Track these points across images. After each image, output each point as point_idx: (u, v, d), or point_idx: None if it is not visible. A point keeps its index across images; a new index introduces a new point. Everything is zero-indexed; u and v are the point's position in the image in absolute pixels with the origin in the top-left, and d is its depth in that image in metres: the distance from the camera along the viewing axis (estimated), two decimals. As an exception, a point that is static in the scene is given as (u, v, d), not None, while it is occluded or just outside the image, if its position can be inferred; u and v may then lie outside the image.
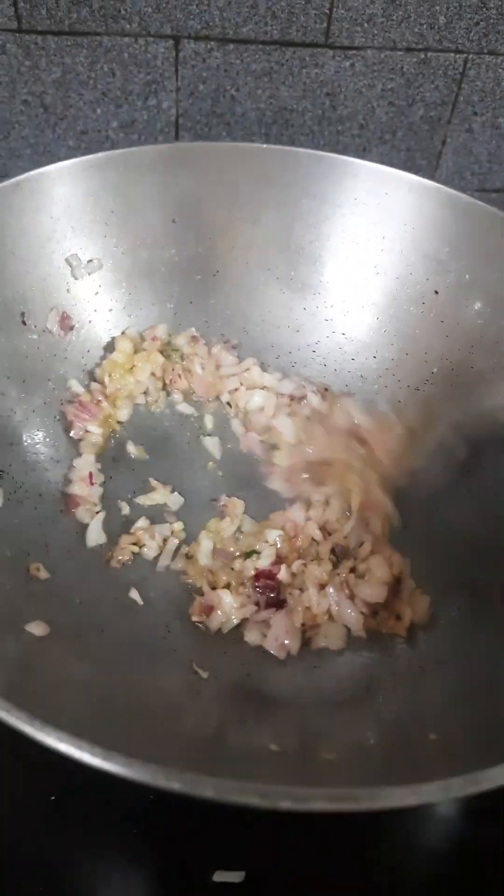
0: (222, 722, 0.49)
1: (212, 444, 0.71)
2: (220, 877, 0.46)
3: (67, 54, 0.83)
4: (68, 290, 0.68)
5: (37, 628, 0.49)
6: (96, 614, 0.55)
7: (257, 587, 0.59)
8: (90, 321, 0.71)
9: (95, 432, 0.67)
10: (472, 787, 0.32)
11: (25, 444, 0.63)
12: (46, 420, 0.65)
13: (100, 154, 0.67)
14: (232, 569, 0.61)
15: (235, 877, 0.46)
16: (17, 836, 0.48)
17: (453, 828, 0.51)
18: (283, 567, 0.60)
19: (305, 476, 0.66)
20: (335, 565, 0.61)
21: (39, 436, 0.64)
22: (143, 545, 0.62)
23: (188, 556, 0.62)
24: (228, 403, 0.75)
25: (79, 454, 0.66)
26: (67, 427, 0.66)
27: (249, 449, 0.72)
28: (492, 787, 0.32)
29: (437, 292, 0.72)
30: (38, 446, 0.63)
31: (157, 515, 0.65)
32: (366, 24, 0.83)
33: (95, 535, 0.61)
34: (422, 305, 0.73)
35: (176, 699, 0.50)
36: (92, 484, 0.64)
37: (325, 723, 0.50)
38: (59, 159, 0.73)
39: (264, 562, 0.60)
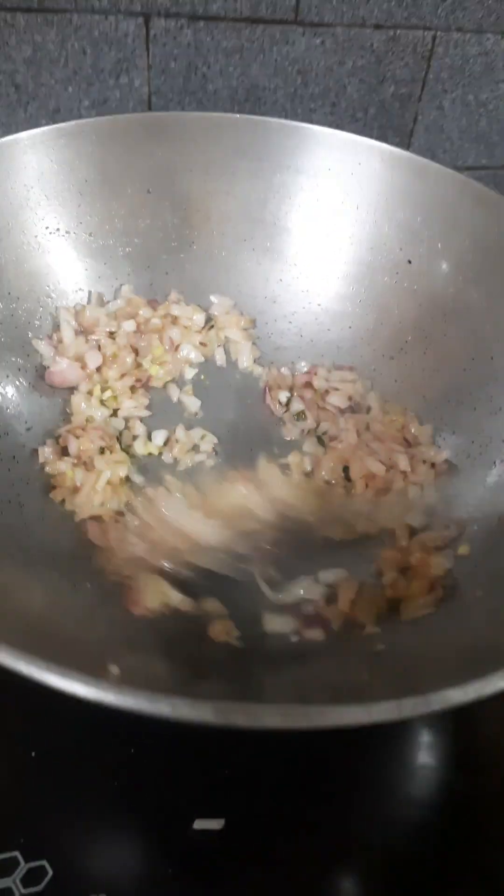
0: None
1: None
2: (200, 824, 0.47)
3: (38, 32, 0.83)
4: (42, 258, 0.67)
5: None
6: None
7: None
8: (64, 289, 0.71)
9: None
10: (423, 706, 0.32)
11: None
12: (19, 382, 0.65)
13: (72, 122, 0.67)
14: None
15: (215, 824, 0.47)
16: (-2, 793, 0.48)
17: (436, 777, 0.52)
18: None
19: None
20: None
21: (12, 396, 0.64)
22: None
23: None
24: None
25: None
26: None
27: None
28: (443, 708, 0.32)
29: (410, 261, 0.73)
30: (9, 409, 0.63)
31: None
32: (335, 1, 0.84)
33: None
34: (395, 275, 0.74)
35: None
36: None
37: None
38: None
39: None
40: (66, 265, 0.70)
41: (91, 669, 0.33)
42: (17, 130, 0.89)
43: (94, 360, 0.69)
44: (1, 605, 0.46)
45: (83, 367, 0.69)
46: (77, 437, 0.64)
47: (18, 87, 0.87)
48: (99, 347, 0.71)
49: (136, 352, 0.73)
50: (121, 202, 0.71)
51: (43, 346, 0.68)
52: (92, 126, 0.67)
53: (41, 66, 0.86)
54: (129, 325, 0.73)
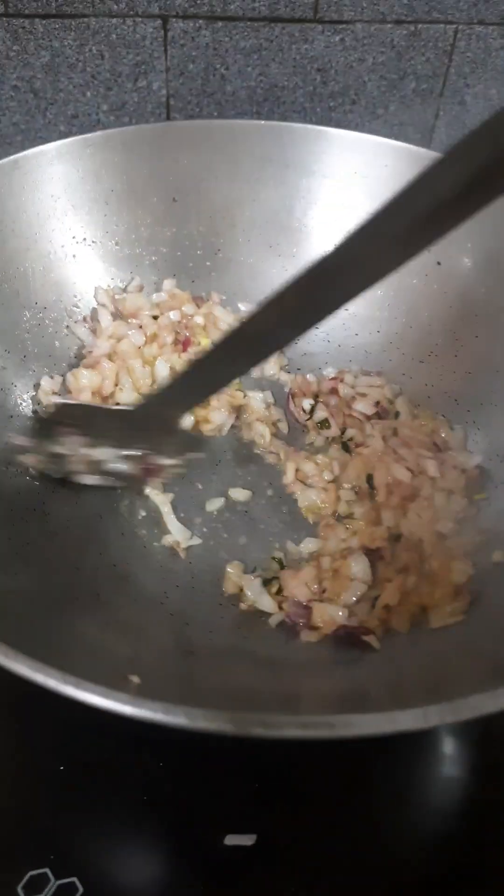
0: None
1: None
2: (231, 840, 0.46)
3: (55, 37, 0.82)
4: (69, 267, 0.67)
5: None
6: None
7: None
8: (90, 300, 0.70)
9: None
10: (451, 715, 0.31)
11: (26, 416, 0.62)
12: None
13: (98, 132, 0.66)
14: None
15: (247, 840, 0.46)
16: (27, 806, 0.47)
17: (467, 790, 0.51)
18: None
19: None
20: None
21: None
22: None
23: None
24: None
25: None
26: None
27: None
28: (472, 716, 0.31)
29: (439, 263, 0.72)
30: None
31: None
32: (354, -2, 0.83)
33: None
34: (424, 277, 0.73)
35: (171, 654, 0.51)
36: None
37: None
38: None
39: None
40: (92, 275, 0.69)
41: (111, 679, 0.33)
42: (37, 136, 0.90)
43: (136, 338, 0.68)
44: (20, 611, 0.45)
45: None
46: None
47: (37, 93, 0.86)
48: (140, 327, 0.70)
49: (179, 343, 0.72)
50: (146, 211, 0.71)
51: (81, 330, 0.68)
52: (117, 136, 0.67)
53: (59, 71, 0.85)
54: (174, 315, 0.71)
